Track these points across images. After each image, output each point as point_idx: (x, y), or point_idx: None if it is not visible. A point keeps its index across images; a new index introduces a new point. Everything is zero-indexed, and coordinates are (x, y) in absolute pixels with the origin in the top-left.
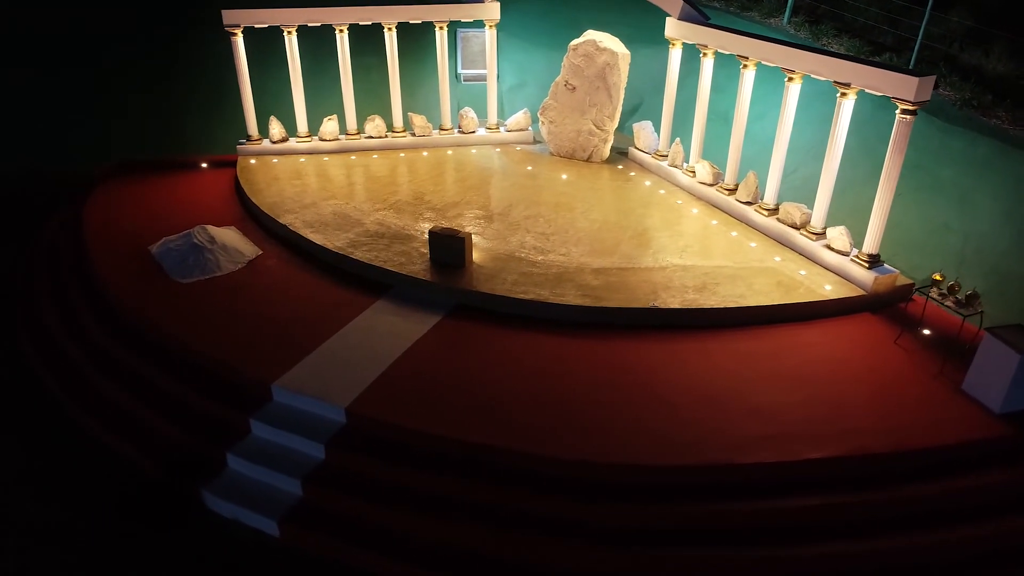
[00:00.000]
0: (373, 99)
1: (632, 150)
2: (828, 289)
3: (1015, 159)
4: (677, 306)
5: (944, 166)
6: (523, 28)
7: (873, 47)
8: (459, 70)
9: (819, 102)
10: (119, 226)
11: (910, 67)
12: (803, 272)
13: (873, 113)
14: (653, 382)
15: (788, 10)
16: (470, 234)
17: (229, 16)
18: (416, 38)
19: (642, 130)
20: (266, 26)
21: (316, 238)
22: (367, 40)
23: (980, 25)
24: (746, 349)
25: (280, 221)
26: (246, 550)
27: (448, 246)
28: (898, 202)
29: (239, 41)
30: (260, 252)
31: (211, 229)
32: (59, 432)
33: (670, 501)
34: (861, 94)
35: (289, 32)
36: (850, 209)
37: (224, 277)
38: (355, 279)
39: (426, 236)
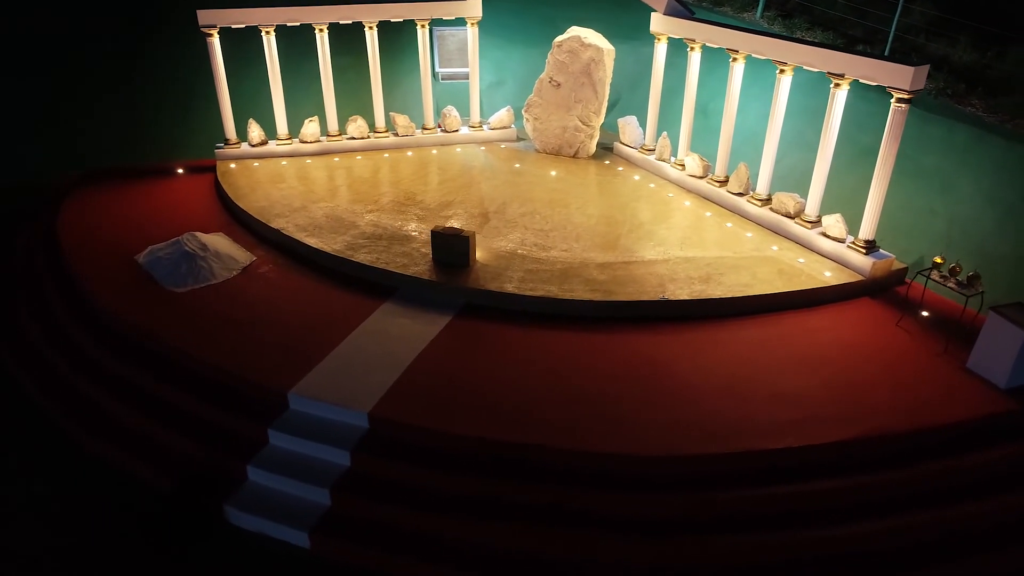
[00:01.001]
0: (350, 100)
1: (617, 145)
2: (828, 276)
3: (992, 145)
4: (686, 297)
5: (925, 153)
6: (499, 26)
7: (846, 39)
8: (437, 69)
9: (799, 93)
10: (98, 237)
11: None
12: (801, 260)
13: (852, 103)
14: (674, 373)
15: (761, 5)
16: (473, 233)
17: (205, 16)
18: (391, 37)
19: (627, 125)
20: (243, 26)
21: (312, 242)
22: (340, 40)
23: (944, 14)
24: (758, 336)
25: (272, 226)
26: (274, 564)
27: (452, 246)
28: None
29: (215, 42)
30: (254, 258)
31: (201, 236)
32: (60, 455)
33: (706, 489)
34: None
35: (267, 32)
36: (835, 197)
37: (220, 285)
38: (356, 282)
39: (425, 236)
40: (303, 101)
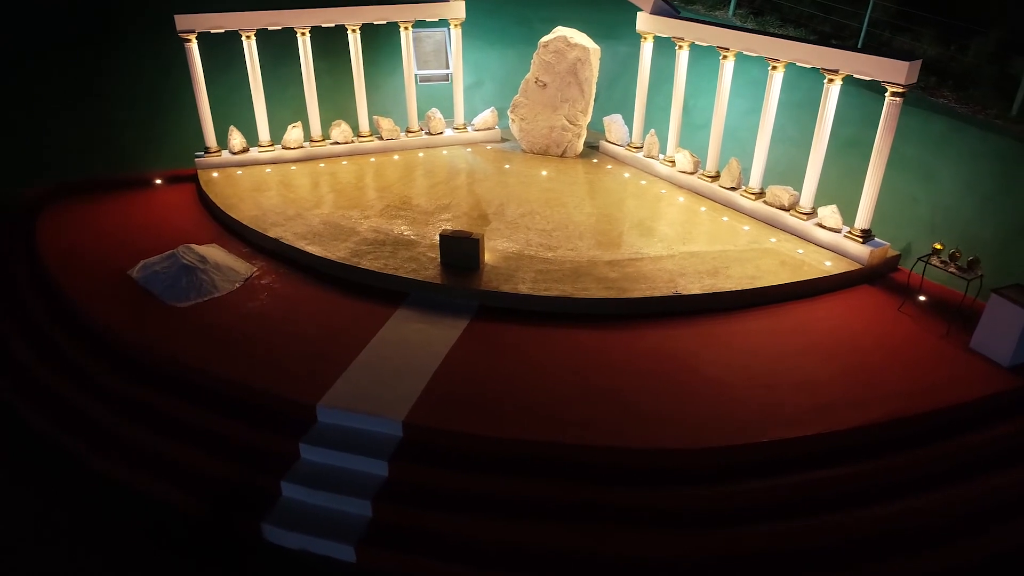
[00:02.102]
0: (327, 104)
1: (603, 143)
2: (828, 265)
3: (968, 135)
4: (698, 291)
5: (905, 144)
6: (474, 27)
7: (818, 35)
8: (415, 71)
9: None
10: (84, 253)
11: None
12: (800, 251)
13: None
14: (696, 366)
15: (733, 3)
16: (483, 235)
17: (183, 21)
18: (368, 40)
19: (612, 123)
20: (223, 31)
21: (315, 250)
22: (314, 44)
23: (907, 8)
24: (770, 327)
25: (269, 235)
26: None
27: (461, 248)
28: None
29: (194, 48)
30: (255, 269)
31: (197, 248)
32: (79, 484)
33: (743, 479)
34: (814, 79)
35: (248, 37)
36: (820, 188)
37: (224, 298)
38: (364, 289)
39: (429, 240)
40: (279, 107)
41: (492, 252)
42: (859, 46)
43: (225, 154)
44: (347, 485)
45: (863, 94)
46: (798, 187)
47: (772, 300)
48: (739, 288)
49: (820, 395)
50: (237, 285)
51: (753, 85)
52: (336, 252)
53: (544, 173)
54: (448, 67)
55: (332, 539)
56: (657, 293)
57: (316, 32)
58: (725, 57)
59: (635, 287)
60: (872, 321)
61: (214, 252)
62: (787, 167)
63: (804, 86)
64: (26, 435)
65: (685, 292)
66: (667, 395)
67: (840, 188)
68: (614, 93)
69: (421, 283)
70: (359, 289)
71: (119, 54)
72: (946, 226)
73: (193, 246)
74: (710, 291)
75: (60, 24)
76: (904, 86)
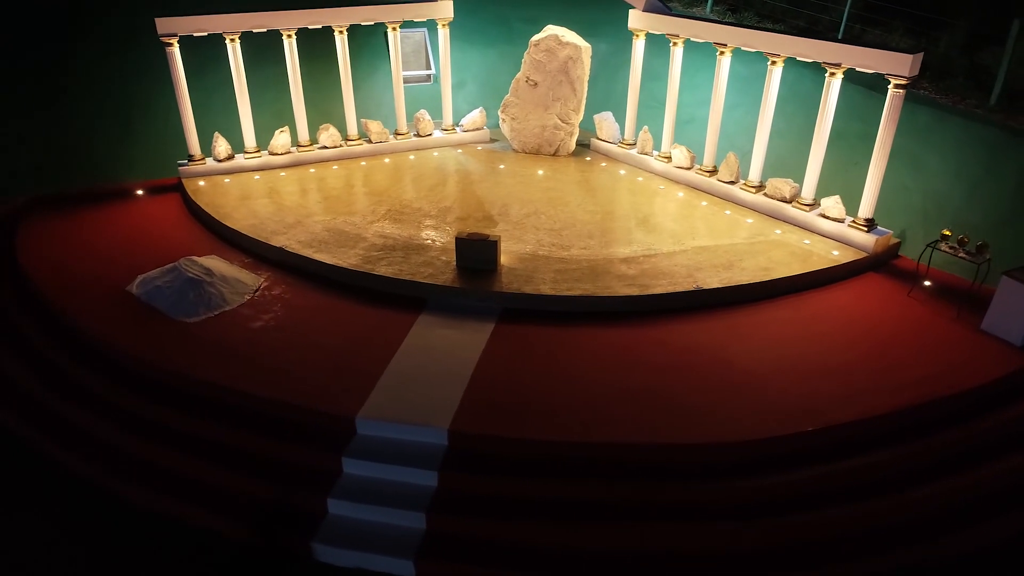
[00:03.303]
0: (309, 108)
1: (595, 141)
2: (836, 255)
3: (952, 124)
4: (718, 285)
5: (896, 135)
6: (453, 27)
7: (796, 30)
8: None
9: (760, 83)
10: (75, 271)
11: None
12: (807, 241)
13: (813, 91)
14: (727, 359)
15: (710, 0)
16: (499, 237)
17: (164, 24)
18: (348, 41)
19: (603, 121)
20: (206, 34)
21: (325, 258)
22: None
23: (877, 2)
24: (791, 317)
25: (273, 244)
26: None
27: (480, 251)
28: (857, 170)
29: (175, 52)
30: (263, 280)
31: (200, 260)
32: (108, 517)
33: (788, 469)
34: (798, 73)
35: (232, 39)
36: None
37: (235, 311)
38: (378, 296)
39: (440, 244)
40: (258, 112)
41: (506, 254)
42: (839, 39)
43: (210, 162)
44: (397, 498)
45: (846, 87)
46: (789, 179)
47: (787, 291)
48: (756, 280)
49: (850, 383)
50: (247, 297)
51: (736, 80)
52: (347, 259)
53: (540, 172)
54: (430, 67)
55: (389, 555)
56: (679, 288)
57: (301, 36)
58: (722, 53)
59: (655, 283)
60: (885, 307)
61: (218, 264)
62: (777, 159)
63: (788, 79)
64: (43, 469)
65: (705, 286)
66: (705, 389)
67: (833, 179)
68: (595, 91)
69: (444, 288)
70: (373, 296)
71: (81, 60)
72: (937, 213)
73: (195, 258)
74: (728, 284)
75: (20, 28)
76: (908, 78)
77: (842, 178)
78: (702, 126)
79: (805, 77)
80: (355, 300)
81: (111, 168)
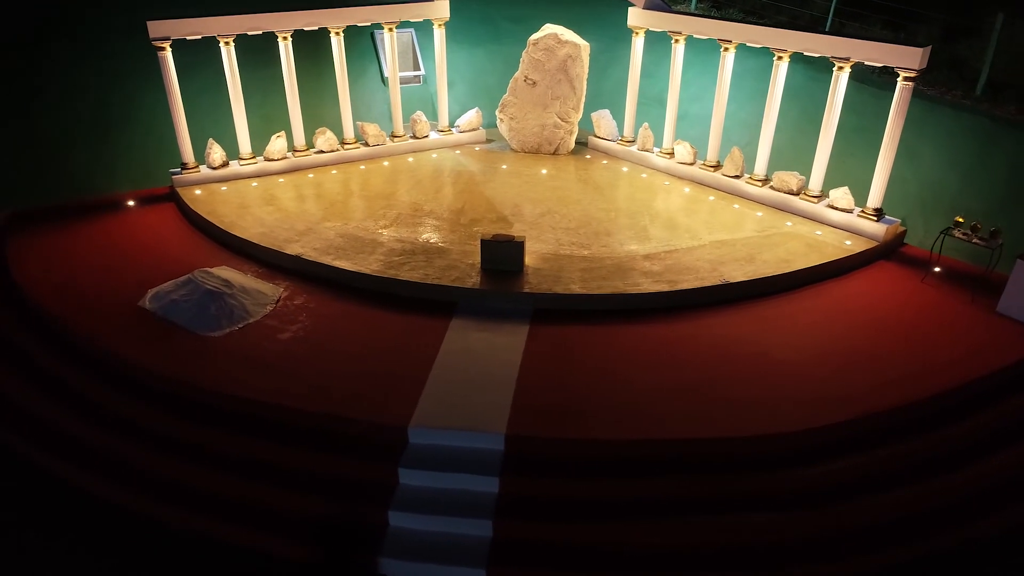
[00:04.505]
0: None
1: (592, 139)
2: (848, 244)
3: (942, 115)
4: (743, 278)
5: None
6: None
7: (777, 26)
8: (385, 74)
9: (751, 79)
10: (80, 288)
11: None
12: (819, 232)
13: (805, 84)
14: (765, 351)
15: None
16: (524, 238)
17: (157, 28)
18: (327, 43)
19: (601, 119)
20: (199, 37)
21: (346, 265)
22: (273, 50)
23: None
24: (816, 307)
25: (288, 252)
26: None
27: (506, 252)
28: (853, 162)
29: (168, 56)
30: (281, 290)
31: (216, 271)
32: (150, 543)
33: (843, 456)
34: (793, 68)
35: (227, 43)
36: (806, 172)
37: (260, 323)
38: (404, 302)
39: (459, 246)
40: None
41: (528, 254)
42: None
43: (204, 169)
44: (460, 506)
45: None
46: (795, 171)
47: (808, 281)
48: (779, 272)
49: (884, 369)
50: (269, 308)
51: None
52: (369, 266)
53: (544, 171)
54: (419, 68)
55: (459, 565)
56: (706, 283)
57: (267, 39)
58: (726, 49)
59: (682, 279)
60: (902, 294)
61: (234, 275)
62: (772, 152)
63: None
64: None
65: (732, 280)
66: (748, 382)
67: (828, 171)
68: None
69: (476, 291)
70: (397, 302)
71: (56, 62)
72: (933, 201)
73: (209, 270)
74: (753, 277)
75: None
76: (917, 70)
77: (839, 170)
78: (695, 121)
79: (797, 72)
80: (380, 307)
81: (91, 179)
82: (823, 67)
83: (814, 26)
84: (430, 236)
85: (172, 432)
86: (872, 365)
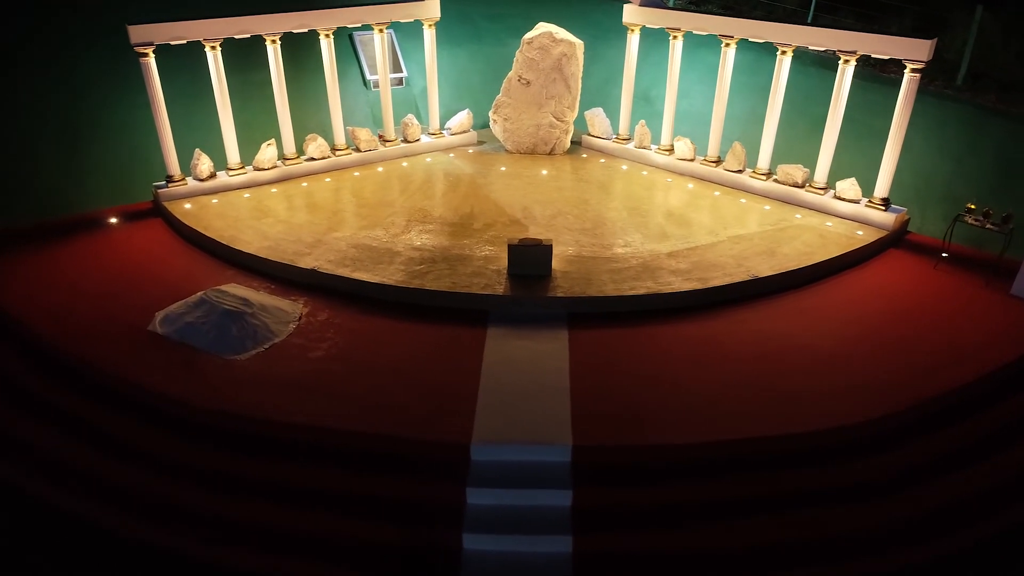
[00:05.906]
0: (269, 119)
1: (586, 138)
2: (860, 234)
3: (927, 104)
4: (770, 272)
5: (874, 117)
6: (417, 28)
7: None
8: (367, 77)
9: (744, 73)
10: (77, 314)
11: None
12: (829, 224)
13: (796, 79)
14: (806, 344)
15: None
16: (551, 241)
17: (139, 33)
18: (307, 47)
19: (595, 117)
20: (184, 41)
21: (367, 277)
22: (250, 54)
23: None
24: (843, 297)
25: (303, 267)
26: None
27: (534, 257)
28: (845, 152)
29: (151, 63)
30: (302, 306)
31: (232, 289)
32: None
33: (904, 444)
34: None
35: (213, 47)
36: (804, 163)
37: (286, 343)
38: (432, 312)
39: (481, 252)
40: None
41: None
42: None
43: (191, 181)
44: (536, 523)
45: (827, 75)
46: (799, 164)
47: (829, 272)
48: (802, 265)
49: (920, 354)
50: (292, 326)
51: (710, 70)
52: (391, 276)
53: (545, 172)
54: (401, 70)
55: None
56: (735, 279)
57: (246, 44)
58: (727, 45)
59: (711, 275)
60: (919, 281)
61: (249, 292)
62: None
63: (768, 68)
64: (136, 554)
65: (760, 275)
66: (797, 375)
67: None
68: None
69: (510, 298)
70: (424, 312)
71: (21, 70)
72: (927, 189)
73: (223, 288)
74: (779, 271)
75: None
76: (925, 62)
77: (834, 162)
78: (683, 118)
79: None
80: (407, 318)
81: (60, 194)
82: (807, 61)
83: (790, 18)
84: (446, 242)
85: (215, 465)
86: (909, 350)
